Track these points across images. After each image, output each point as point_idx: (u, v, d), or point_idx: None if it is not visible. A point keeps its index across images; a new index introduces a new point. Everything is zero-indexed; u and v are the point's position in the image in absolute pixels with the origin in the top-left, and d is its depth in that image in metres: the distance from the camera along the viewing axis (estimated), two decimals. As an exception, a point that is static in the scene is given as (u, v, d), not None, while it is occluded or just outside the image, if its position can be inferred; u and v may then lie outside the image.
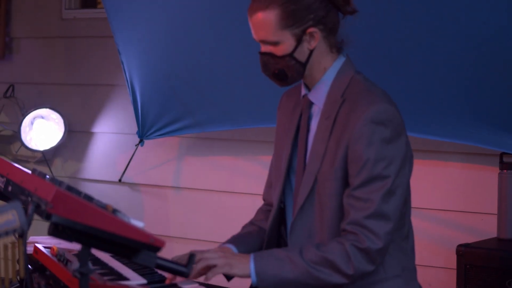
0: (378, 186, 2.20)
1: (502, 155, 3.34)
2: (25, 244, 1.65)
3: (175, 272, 1.84)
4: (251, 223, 2.57)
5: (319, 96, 2.35)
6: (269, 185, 2.58)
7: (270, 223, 2.45)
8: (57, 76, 4.67)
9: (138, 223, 1.68)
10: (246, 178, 4.10)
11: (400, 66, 3.32)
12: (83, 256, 1.67)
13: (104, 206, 1.69)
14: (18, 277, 1.72)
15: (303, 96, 2.41)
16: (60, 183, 1.76)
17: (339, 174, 2.25)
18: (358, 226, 2.20)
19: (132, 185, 4.45)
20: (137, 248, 1.68)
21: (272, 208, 2.47)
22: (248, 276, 2.22)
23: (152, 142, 4.25)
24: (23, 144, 4.48)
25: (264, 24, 2.27)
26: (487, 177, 3.48)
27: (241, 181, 4.12)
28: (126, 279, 2.09)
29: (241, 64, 3.70)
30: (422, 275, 2.60)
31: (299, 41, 2.29)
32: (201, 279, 2.22)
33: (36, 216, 1.67)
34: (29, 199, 1.73)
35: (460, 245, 3.18)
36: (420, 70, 3.30)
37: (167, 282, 2.17)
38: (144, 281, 2.09)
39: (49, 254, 2.13)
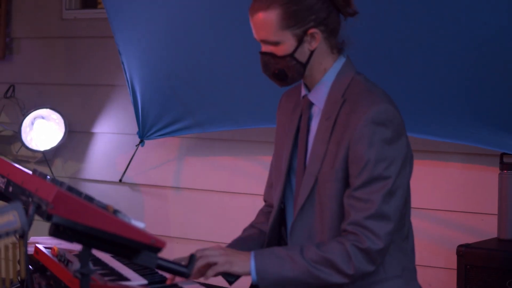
0: (379, 187, 2.20)
1: (502, 155, 3.34)
2: (26, 245, 1.65)
3: (176, 273, 1.83)
4: (251, 226, 2.56)
5: (319, 97, 2.35)
6: (269, 186, 2.57)
7: (270, 224, 2.45)
8: (58, 76, 4.67)
9: (139, 224, 1.68)
10: (247, 179, 4.10)
11: (400, 67, 3.32)
12: (84, 256, 1.67)
13: (104, 207, 1.68)
14: (19, 278, 1.72)
15: (303, 96, 2.40)
16: (61, 184, 1.76)
17: (339, 175, 2.25)
18: (359, 226, 2.20)
19: (132, 185, 4.45)
20: (138, 249, 1.68)
21: (272, 209, 2.47)
22: (249, 274, 2.22)
23: (152, 142, 4.25)
24: (23, 145, 4.47)
25: (265, 24, 2.27)
26: (488, 177, 3.48)
27: (242, 182, 4.12)
28: (126, 279, 2.09)
29: (241, 64, 3.70)
30: (422, 275, 2.60)
31: (300, 41, 2.28)
32: (202, 279, 2.22)
33: (36, 217, 1.67)
34: (30, 199, 1.73)
35: (460, 246, 3.18)
36: (421, 70, 3.29)
37: (167, 282, 2.17)
38: (144, 281, 2.09)
39: (49, 255, 2.13)
